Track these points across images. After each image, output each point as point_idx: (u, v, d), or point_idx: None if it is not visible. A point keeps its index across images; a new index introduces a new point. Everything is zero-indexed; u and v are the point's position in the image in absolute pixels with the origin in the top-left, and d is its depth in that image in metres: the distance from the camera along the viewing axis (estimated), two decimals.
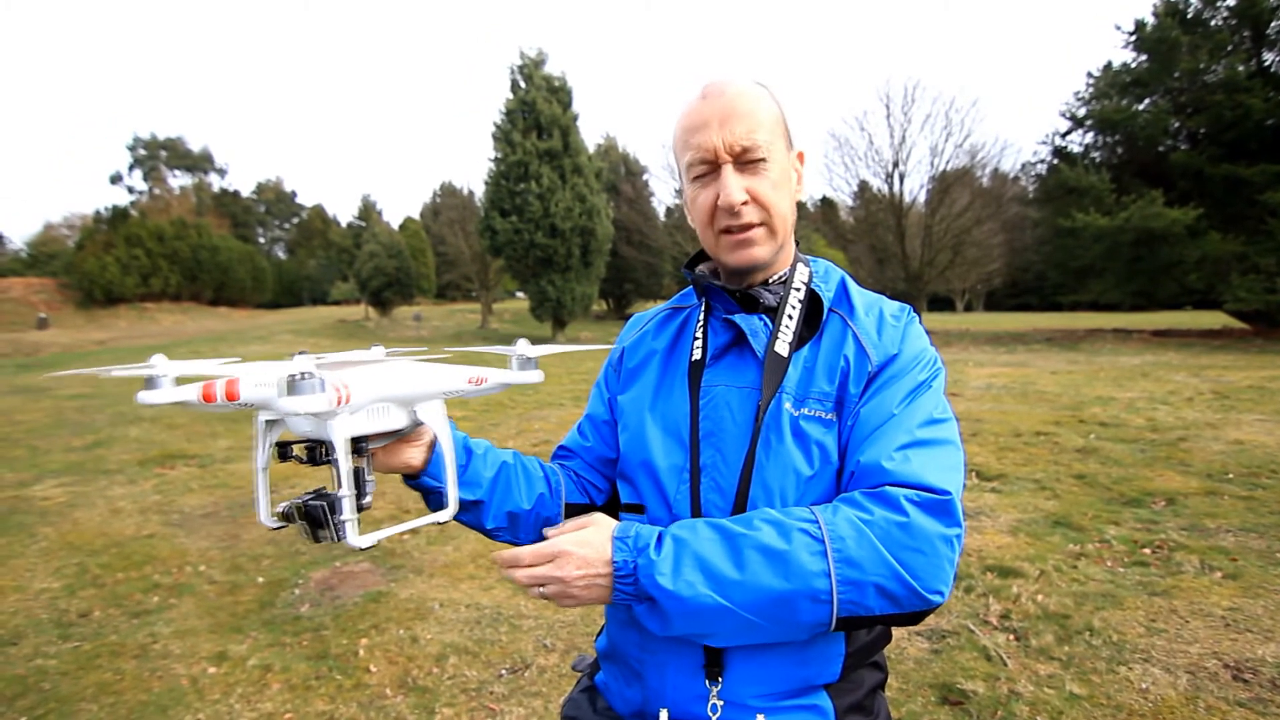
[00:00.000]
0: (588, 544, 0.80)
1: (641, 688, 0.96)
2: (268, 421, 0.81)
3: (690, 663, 0.91)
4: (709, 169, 0.90)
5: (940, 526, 0.78)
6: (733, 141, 0.88)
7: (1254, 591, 3.07)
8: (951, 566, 0.79)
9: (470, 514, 0.98)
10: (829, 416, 0.90)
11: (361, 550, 0.71)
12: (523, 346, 0.92)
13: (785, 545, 0.76)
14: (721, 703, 0.89)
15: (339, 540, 0.78)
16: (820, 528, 0.77)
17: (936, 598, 0.78)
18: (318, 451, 0.80)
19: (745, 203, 0.90)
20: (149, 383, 0.71)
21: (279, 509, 0.80)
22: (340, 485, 0.76)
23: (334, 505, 0.77)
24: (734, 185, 0.89)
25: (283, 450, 0.83)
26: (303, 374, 0.69)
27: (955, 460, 0.84)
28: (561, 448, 1.15)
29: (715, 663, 0.90)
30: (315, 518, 0.77)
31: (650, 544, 0.79)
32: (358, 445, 0.83)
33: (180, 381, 0.73)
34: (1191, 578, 3.26)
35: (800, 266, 0.99)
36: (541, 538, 0.88)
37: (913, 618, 0.80)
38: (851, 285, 1.01)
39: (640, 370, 1.07)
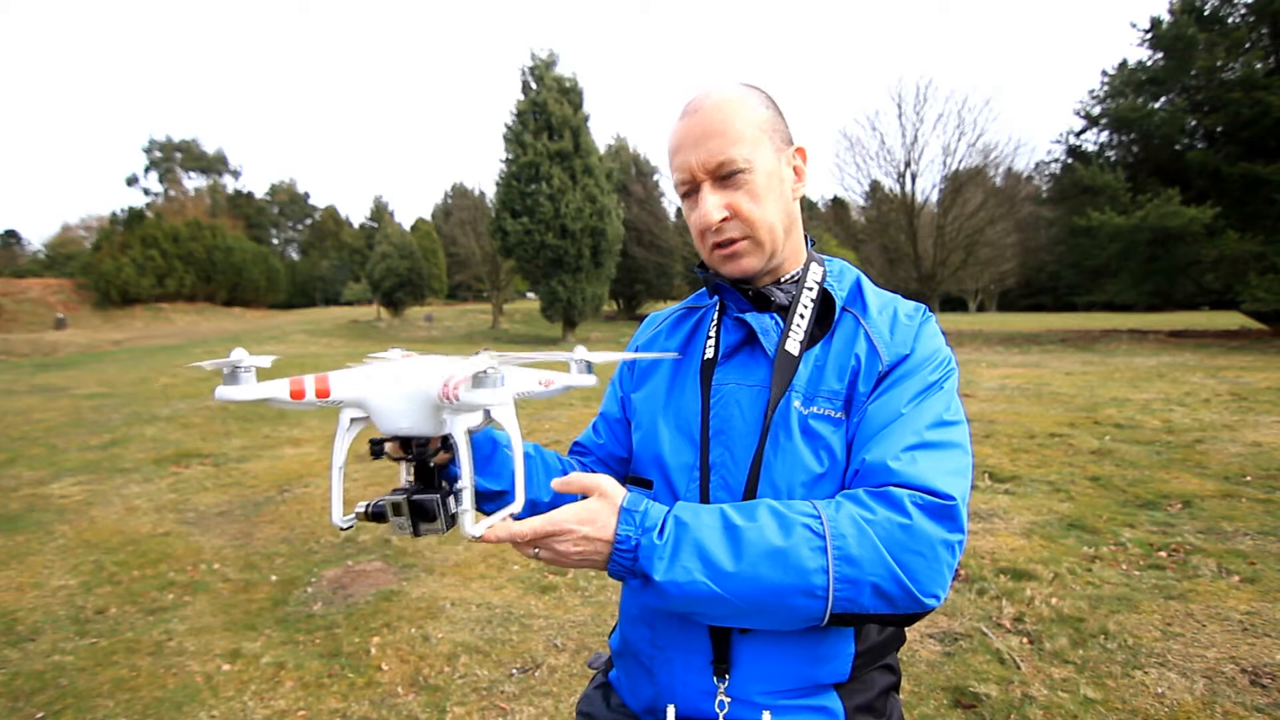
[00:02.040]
0: (590, 520, 0.79)
1: (652, 684, 0.97)
2: (352, 420, 0.82)
3: (699, 660, 0.92)
4: (691, 188, 0.92)
5: (943, 531, 0.77)
6: (706, 159, 0.89)
7: (1272, 595, 3.03)
8: (950, 572, 0.79)
9: (495, 503, 0.99)
10: (838, 415, 0.89)
11: (474, 539, 0.74)
12: (581, 352, 0.94)
13: (785, 539, 0.76)
14: (729, 699, 0.90)
15: (445, 531, 0.81)
16: (822, 523, 0.77)
17: (932, 601, 0.77)
18: (427, 448, 0.82)
19: (726, 219, 0.91)
20: (228, 378, 0.70)
21: (361, 509, 0.80)
22: (461, 477, 0.79)
23: (444, 498, 0.80)
24: (711, 204, 0.90)
25: (375, 448, 0.84)
26: (487, 370, 0.74)
27: (962, 464, 0.83)
28: (577, 444, 1.16)
29: (723, 659, 0.90)
30: (428, 510, 0.79)
31: (656, 525, 0.79)
32: (446, 442, 0.85)
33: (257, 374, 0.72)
34: (1208, 581, 3.22)
35: (814, 265, 0.99)
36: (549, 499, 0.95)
37: (906, 619, 0.80)
38: (866, 284, 1.00)
39: (653, 369, 1.08)
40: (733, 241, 0.93)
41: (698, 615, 0.82)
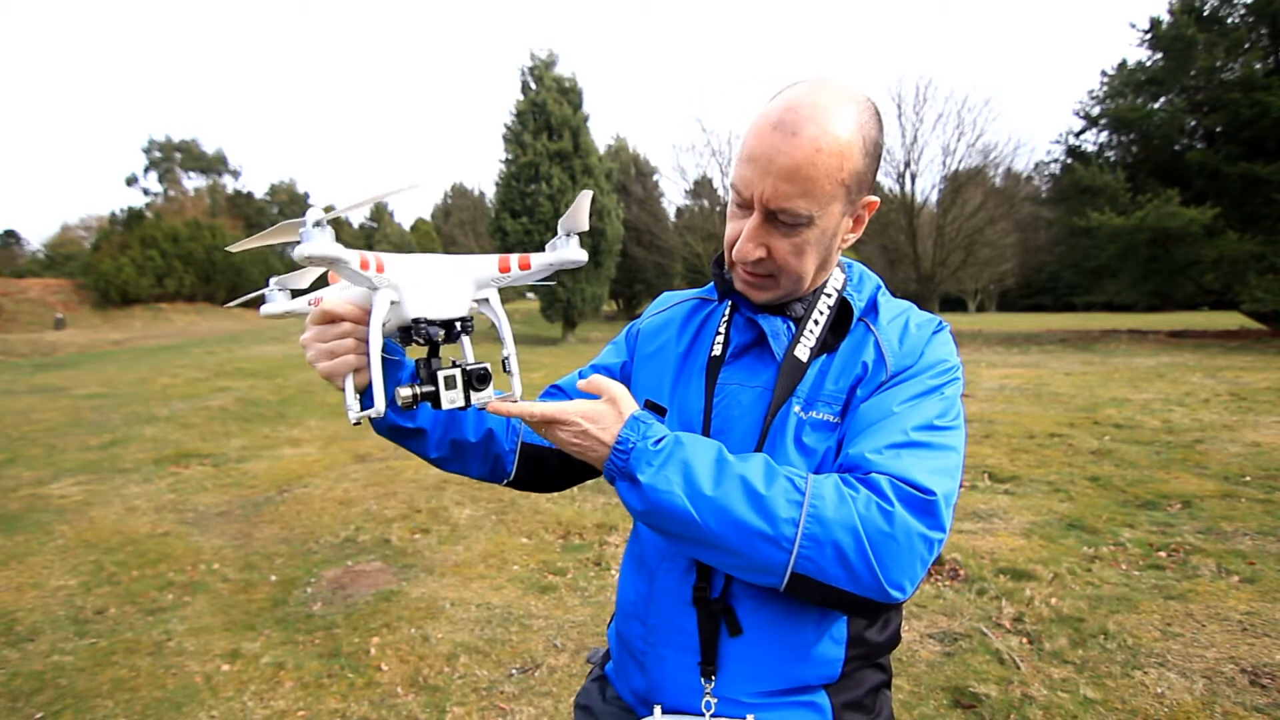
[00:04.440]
0: (595, 419, 0.83)
1: (644, 677, 0.97)
2: (392, 303, 0.86)
3: (688, 659, 0.93)
4: (744, 203, 0.87)
5: (922, 526, 0.76)
6: (771, 195, 0.82)
7: (1272, 595, 3.03)
8: (923, 567, 0.77)
9: (413, 441, 0.98)
10: (835, 420, 0.89)
11: (516, 400, 0.87)
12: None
13: (767, 488, 0.77)
14: (715, 700, 0.91)
15: (489, 397, 0.86)
16: (805, 483, 0.78)
17: (897, 593, 0.76)
18: (457, 329, 0.88)
19: (759, 259, 0.88)
20: (265, 300, 0.89)
21: (408, 395, 0.83)
22: (504, 346, 0.91)
23: (485, 370, 0.86)
24: (751, 239, 0.86)
25: (406, 334, 0.88)
26: (570, 233, 0.89)
27: (947, 464, 0.82)
28: (554, 386, 1.14)
29: (710, 661, 0.91)
30: (485, 374, 0.85)
31: (655, 435, 0.82)
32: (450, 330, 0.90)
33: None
34: (1208, 581, 3.22)
35: (835, 272, 0.98)
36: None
37: (869, 606, 0.78)
38: (883, 294, 0.99)
39: (659, 354, 1.07)
40: (755, 274, 0.91)
41: (669, 535, 0.83)
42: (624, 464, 0.81)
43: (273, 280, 0.93)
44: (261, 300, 0.99)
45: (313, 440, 7.17)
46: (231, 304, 1.08)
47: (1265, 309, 16.43)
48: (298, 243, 0.73)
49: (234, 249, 0.82)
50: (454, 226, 34.37)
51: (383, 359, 0.87)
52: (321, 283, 0.99)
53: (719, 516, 0.77)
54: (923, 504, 0.77)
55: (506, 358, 0.90)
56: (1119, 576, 3.33)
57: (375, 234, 36.92)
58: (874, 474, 0.79)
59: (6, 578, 3.75)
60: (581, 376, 1.13)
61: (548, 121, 22.18)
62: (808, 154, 0.80)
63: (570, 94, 22.76)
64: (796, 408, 0.90)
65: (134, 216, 35.71)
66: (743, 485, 0.78)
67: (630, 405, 0.86)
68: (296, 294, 1.00)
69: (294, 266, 0.95)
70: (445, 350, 0.90)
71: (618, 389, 0.87)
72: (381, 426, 0.96)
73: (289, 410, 8.96)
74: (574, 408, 0.83)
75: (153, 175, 58.02)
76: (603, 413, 0.84)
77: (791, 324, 0.95)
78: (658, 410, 1.01)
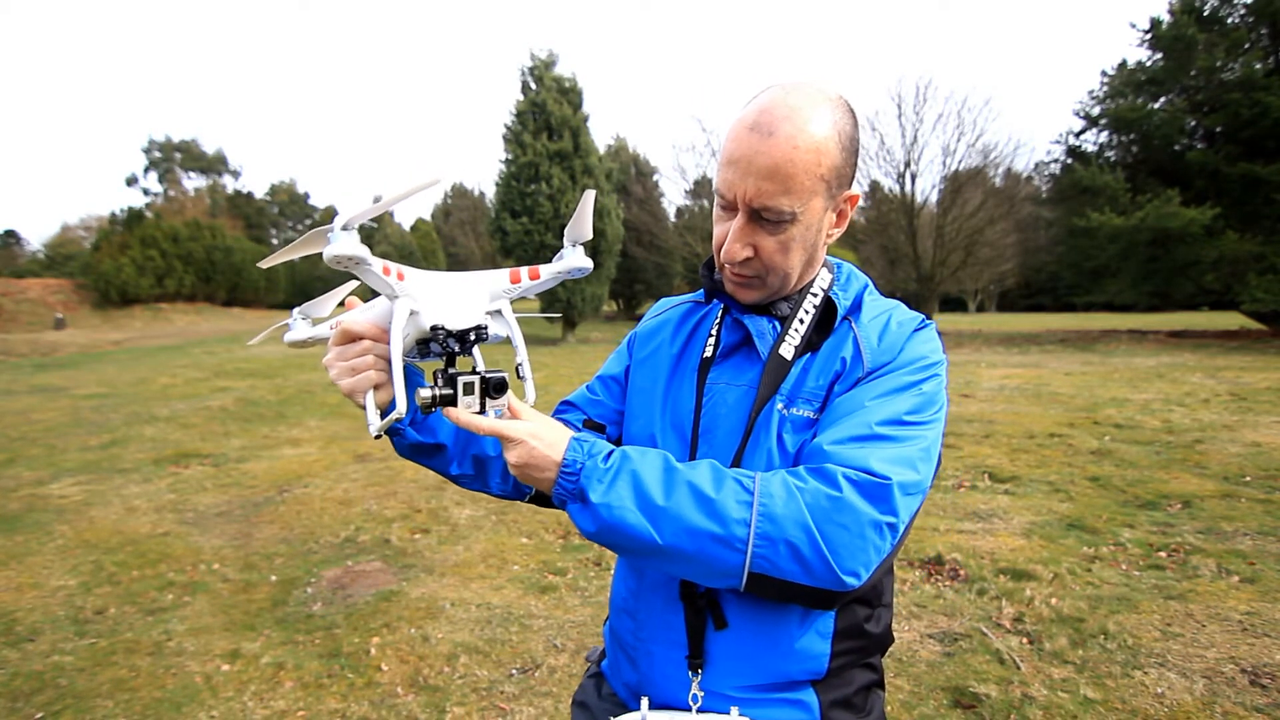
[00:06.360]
0: (540, 438, 0.82)
1: (635, 672, 0.99)
2: (411, 312, 0.89)
3: (676, 654, 0.94)
4: (728, 205, 0.88)
5: (873, 511, 0.76)
6: (754, 196, 0.84)
7: (1272, 595, 3.03)
8: (877, 554, 0.78)
9: (435, 459, 0.99)
10: (814, 416, 0.90)
11: (531, 403, 0.91)
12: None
13: (716, 492, 0.78)
14: (702, 693, 0.92)
15: (506, 402, 0.88)
16: (754, 483, 0.79)
17: (851, 579, 0.76)
18: (472, 338, 0.90)
19: (746, 259, 0.89)
20: (289, 328, 0.96)
21: (427, 396, 0.84)
22: (517, 354, 0.93)
23: (502, 379, 0.88)
24: (738, 239, 0.88)
25: (423, 347, 0.91)
26: (575, 242, 0.94)
27: (908, 454, 0.82)
28: (565, 402, 1.16)
29: (697, 655, 0.92)
30: (503, 383, 0.87)
31: (603, 453, 0.82)
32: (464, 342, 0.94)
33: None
34: (1208, 581, 3.22)
35: (823, 272, 0.99)
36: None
37: (826, 597, 0.79)
38: (870, 293, 1.00)
39: (656, 355, 1.08)
40: (742, 275, 0.92)
41: (625, 551, 0.83)
42: (574, 485, 0.81)
43: (295, 310, 1.01)
44: (285, 329, 1.06)
45: (313, 440, 7.17)
46: (254, 340, 1.15)
47: (1265, 309, 16.46)
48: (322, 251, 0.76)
49: (264, 264, 0.83)
50: (454, 226, 34.37)
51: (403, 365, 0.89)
52: (341, 311, 1.02)
53: (672, 526, 0.77)
54: (873, 489, 0.77)
55: (520, 364, 0.93)
56: (1119, 576, 3.33)
57: (375, 234, 36.94)
58: (828, 465, 0.79)
59: (6, 578, 3.75)
60: (590, 390, 1.15)
61: (548, 121, 22.17)
62: (785, 152, 0.82)
63: (570, 94, 22.75)
64: (780, 405, 0.91)
65: (134, 216, 35.63)
66: (692, 491, 0.78)
67: (566, 429, 0.86)
68: (318, 322, 1.05)
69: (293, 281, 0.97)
70: (461, 364, 0.92)
71: (543, 416, 0.89)
72: (403, 446, 0.97)
73: (289, 410, 8.96)
74: (522, 425, 0.82)
75: (153, 175, 57.94)
76: (546, 431, 0.83)
77: (777, 323, 0.96)
78: (597, 429, 1.04)
